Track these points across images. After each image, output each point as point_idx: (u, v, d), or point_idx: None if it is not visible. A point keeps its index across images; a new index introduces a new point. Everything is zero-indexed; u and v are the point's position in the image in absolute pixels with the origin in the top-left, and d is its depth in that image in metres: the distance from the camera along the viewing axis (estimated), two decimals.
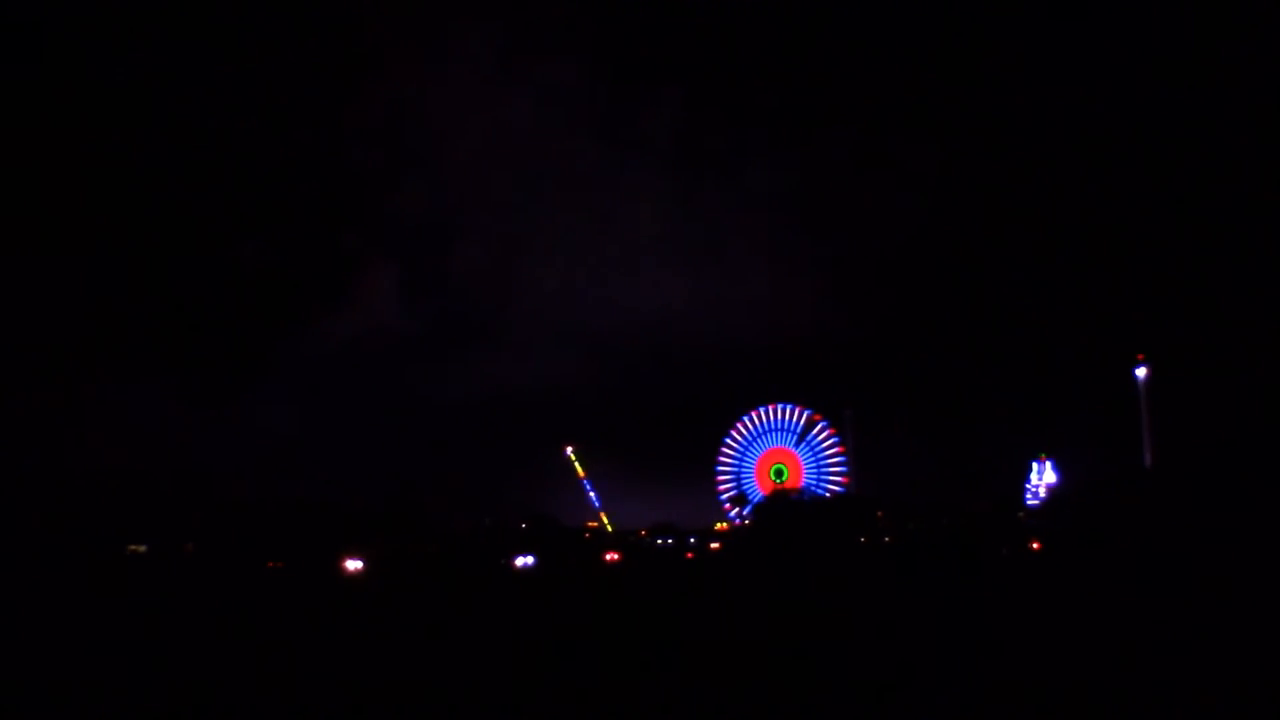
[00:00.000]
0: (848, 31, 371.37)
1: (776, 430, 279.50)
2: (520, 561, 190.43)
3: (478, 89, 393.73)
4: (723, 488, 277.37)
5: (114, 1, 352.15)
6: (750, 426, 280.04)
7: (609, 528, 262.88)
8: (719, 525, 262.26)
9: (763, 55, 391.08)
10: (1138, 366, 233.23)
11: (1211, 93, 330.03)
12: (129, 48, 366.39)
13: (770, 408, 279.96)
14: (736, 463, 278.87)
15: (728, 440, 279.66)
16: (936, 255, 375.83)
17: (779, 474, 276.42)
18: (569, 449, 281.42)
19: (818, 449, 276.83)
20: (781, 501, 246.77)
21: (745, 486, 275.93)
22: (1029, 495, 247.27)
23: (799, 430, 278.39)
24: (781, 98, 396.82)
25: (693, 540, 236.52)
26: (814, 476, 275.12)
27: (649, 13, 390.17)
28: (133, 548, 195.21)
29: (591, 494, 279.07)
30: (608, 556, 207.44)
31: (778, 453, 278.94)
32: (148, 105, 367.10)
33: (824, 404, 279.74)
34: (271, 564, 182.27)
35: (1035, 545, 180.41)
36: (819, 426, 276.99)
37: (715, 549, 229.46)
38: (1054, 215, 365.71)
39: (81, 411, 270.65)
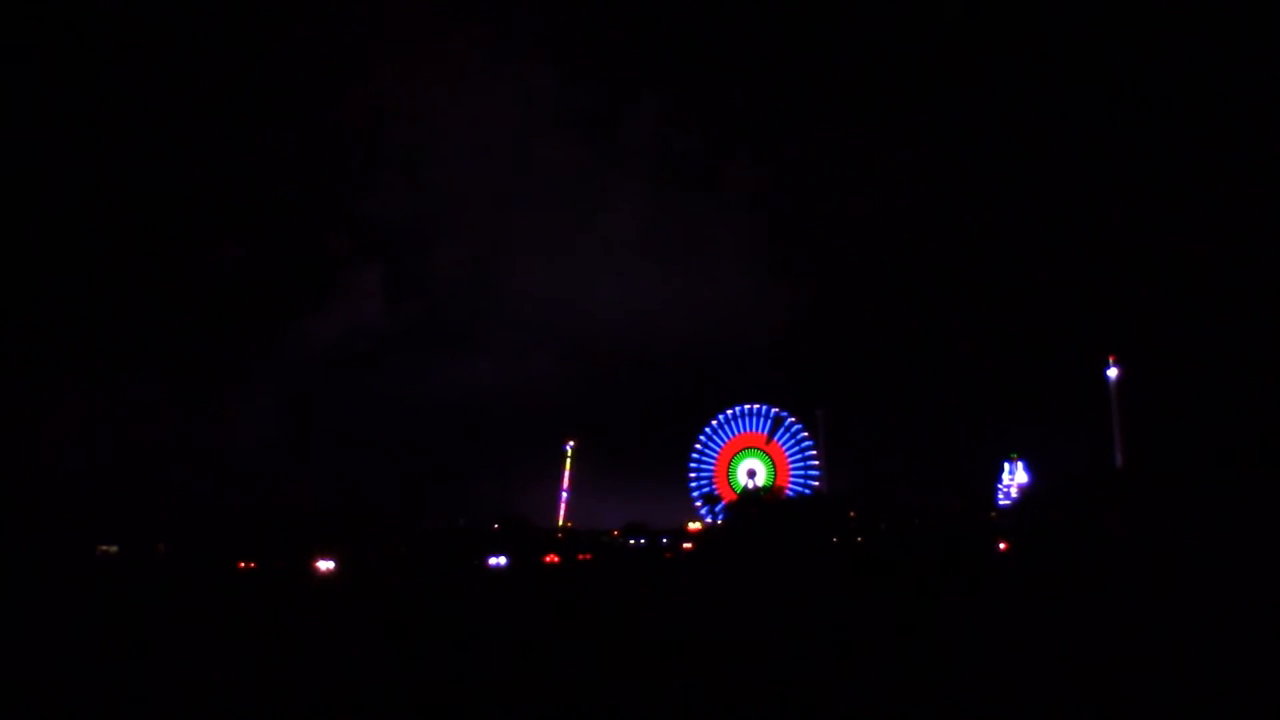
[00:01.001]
0: (825, 38, 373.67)
1: (748, 430, 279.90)
2: (493, 562, 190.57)
3: (460, 91, 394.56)
4: (694, 488, 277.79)
5: (94, 3, 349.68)
6: (722, 426, 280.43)
7: (559, 526, 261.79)
8: (691, 525, 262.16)
9: (743, 60, 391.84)
10: (1109, 367, 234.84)
11: (1183, 96, 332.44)
12: (110, 49, 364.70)
13: (742, 407, 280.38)
14: (708, 463, 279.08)
15: (699, 440, 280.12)
16: (907, 255, 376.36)
17: (751, 474, 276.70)
18: (570, 444, 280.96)
19: (790, 449, 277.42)
20: (753, 502, 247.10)
21: (716, 486, 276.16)
22: (1000, 495, 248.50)
23: (770, 430, 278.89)
24: (757, 101, 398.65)
25: (665, 540, 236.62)
26: (786, 476, 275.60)
27: (629, 17, 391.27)
28: (103, 548, 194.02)
29: (564, 494, 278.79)
30: (579, 557, 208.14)
31: (750, 452, 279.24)
32: (128, 106, 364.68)
33: (796, 403, 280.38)
34: (243, 564, 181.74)
35: (1002, 546, 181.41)
36: (791, 426, 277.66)
37: (688, 549, 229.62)
38: (1025, 215, 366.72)
39: (60, 413, 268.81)
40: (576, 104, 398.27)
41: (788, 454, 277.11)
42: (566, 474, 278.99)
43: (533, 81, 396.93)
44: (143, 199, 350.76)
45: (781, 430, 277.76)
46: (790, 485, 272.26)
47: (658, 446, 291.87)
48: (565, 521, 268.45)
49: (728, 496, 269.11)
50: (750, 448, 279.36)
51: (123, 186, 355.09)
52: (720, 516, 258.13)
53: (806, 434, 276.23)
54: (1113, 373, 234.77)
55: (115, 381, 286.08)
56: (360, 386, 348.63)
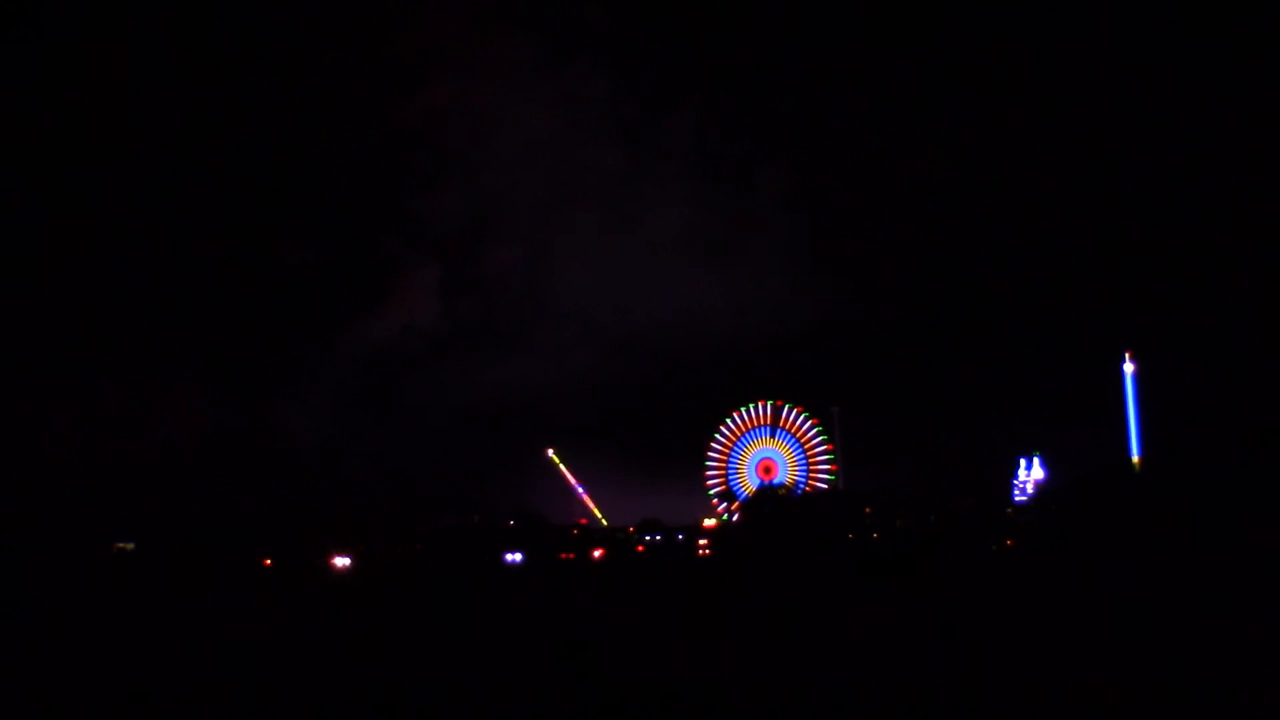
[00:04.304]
0: (860, 44, 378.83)
1: (764, 426, 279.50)
2: (509, 558, 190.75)
3: (511, 96, 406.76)
4: (711, 484, 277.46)
5: (160, 9, 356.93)
6: (738, 422, 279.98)
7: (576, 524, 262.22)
8: (706, 522, 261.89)
9: (779, 64, 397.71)
10: (1125, 362, 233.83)
11: (1199, 95, 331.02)
12: (173, 55, 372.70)
13: (758, 404, 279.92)
14: (725, 459, 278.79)
15: (716, 436, 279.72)
16: (925, 252, 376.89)
17: (767, 470, 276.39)
18: (550, 451, 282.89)
19: (806, 445, 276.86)
20: (769, 498, 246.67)
21: (733, 483, 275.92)
22: (1016, 491, 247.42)
23: (787, 426, 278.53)
24: (794, 105, 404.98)
25: (680, 537, 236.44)
26: (802, 472, 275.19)
27: (671, 25, 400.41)
28: (120, 545, 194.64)
29: (581, 490, 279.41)
30: (595, 553, 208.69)
31: (766, 448, 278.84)
32: (184, 109, 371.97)
33: (812, 400, 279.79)
34: (259, 562, 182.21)
35: (1009, 542, 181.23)
36: (806, 422, 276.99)
37: (703, 544, 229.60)
38: (1041, 211, 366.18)
39: (109, 412, 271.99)
40: (621, 108, 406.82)
41: (791, 458, 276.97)
42: (565, 477, 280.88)
43: (580, 87, 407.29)
44: (200, 200, 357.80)
45: (791, 438, 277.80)
46: (800, 480, 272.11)
47: (674, 442, 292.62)
48: (581, 519, 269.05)
49: (743, 493, 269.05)
50: (765, 444, 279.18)
51: (181, 188, 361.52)
52: (735, 513, 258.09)
53: (821, 432, 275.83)
54: (1129, 368, 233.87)
55: (166, 382, 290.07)
56: (401, 387, 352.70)
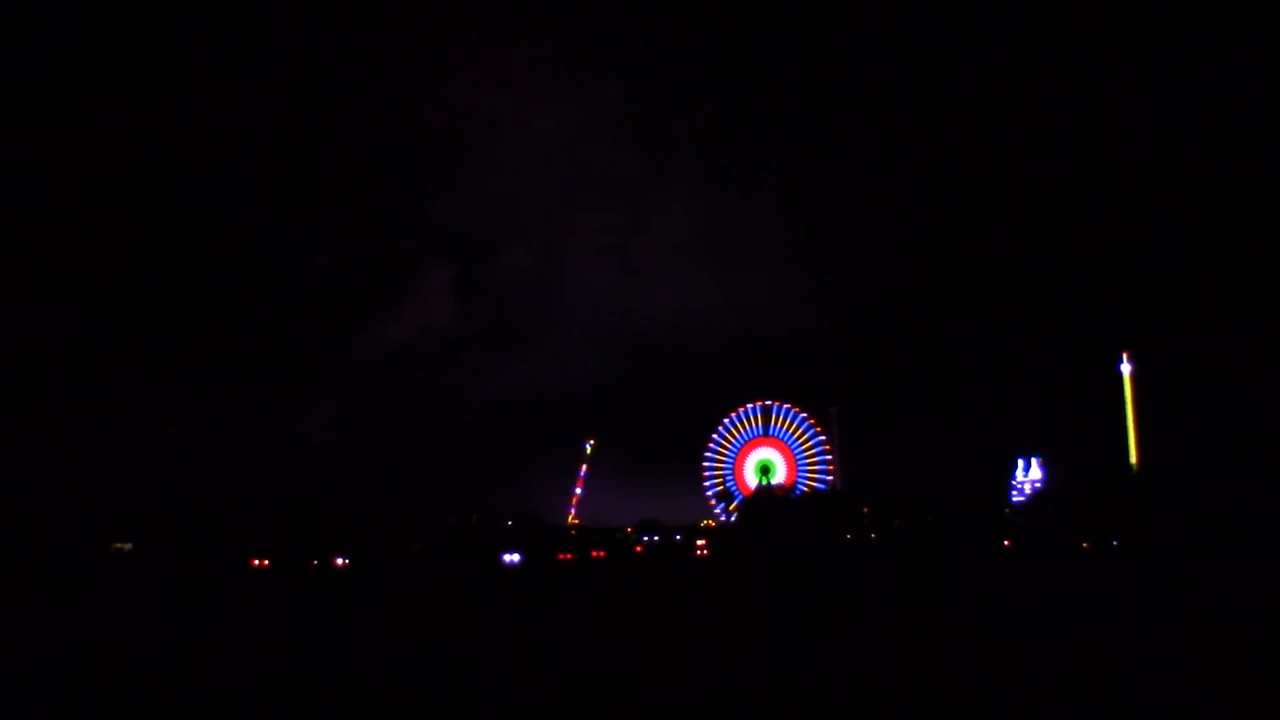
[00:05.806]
0: (862, 56, 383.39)
1: (763, 427, 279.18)
2: (507, 559, 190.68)
3: (525, 101, 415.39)
4: (709, 485, 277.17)
5: (186, 21, 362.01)
6: (736, 424, 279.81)
7: (570, 524, 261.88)
8: (705, 522, 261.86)
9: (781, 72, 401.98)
10: (1122, 362, 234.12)
11: (1198, 97, 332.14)
12: (188, 60, 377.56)
13: (757, 405, 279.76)
14: (723, 460, 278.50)
15: (714, 438, 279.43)
16: (924, 255, 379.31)
17: (765, 471, 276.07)
18: (589, 442, 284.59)
19: (804, 446, 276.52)
20: (767, 498, 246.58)
21: (731, 484, 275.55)
22: (1014, 492, 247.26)
23: (785, 427, 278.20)
24: (799, 112, 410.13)
25: (679, 538, 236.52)
26: (801, 473, 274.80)
27: (683, 31, 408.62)
28: (117, 546, 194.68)
29: (578, 491, 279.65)
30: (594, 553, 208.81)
31: (764, 450, 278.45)
32: (201, 114, 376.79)
33: (811, 401, 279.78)
34: (257, 562, 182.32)
35: (1006, 543, 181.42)
36: (805, 424, 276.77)
37: (701, 544, 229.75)
38: (1041, 213, 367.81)
39: (128, 413, 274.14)
40: (633, 113, 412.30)
41: (789, 459, 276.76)
42: (583, 472, 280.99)
43: (592, 92, 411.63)
44: (215, 203, 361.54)
45: (790, 439, 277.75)
46: (798, 481, 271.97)
47: (671, 444, 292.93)
48: (573, 519, 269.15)
49: (742, 493, 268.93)
50: (763, 444, 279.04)
51: (195, 190, 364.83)
52: (733, 514, 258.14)
53: (819, 433, 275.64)
54: (1127, 368, 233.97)
55: (180, 383, 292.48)
56: (410, 388, 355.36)
